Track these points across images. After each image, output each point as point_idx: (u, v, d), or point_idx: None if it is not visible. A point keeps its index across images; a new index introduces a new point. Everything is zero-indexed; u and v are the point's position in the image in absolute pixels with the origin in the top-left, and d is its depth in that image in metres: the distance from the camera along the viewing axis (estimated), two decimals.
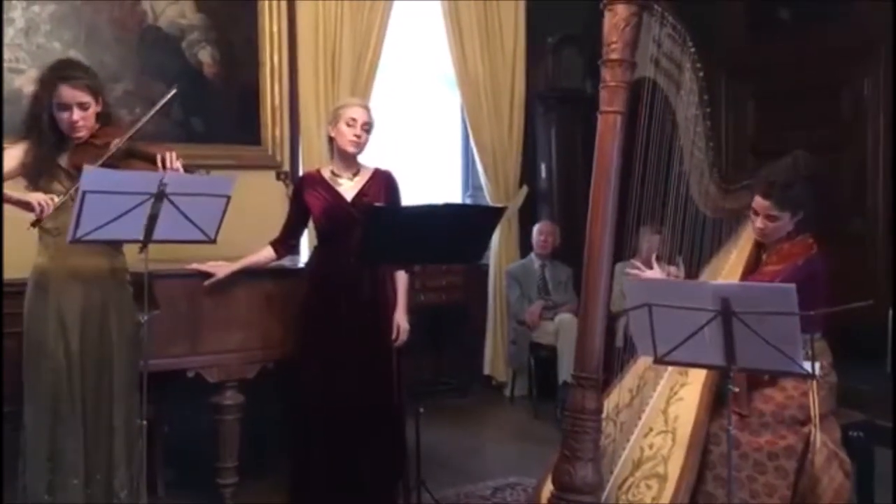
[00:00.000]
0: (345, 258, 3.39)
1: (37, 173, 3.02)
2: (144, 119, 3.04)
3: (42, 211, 2.86)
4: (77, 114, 3.00)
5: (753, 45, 6.05)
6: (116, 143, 2.99)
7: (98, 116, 3.09)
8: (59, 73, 3.02)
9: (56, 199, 2.89)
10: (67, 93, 2.99)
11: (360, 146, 3.53)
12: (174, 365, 3.48)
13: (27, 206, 2.88)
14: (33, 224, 2.93)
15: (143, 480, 3.18)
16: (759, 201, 2.96)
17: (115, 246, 3.16)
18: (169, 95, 3.07)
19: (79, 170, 2.80)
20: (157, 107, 3.05)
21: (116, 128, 3.15)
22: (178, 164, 3.02)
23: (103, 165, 2.88)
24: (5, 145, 3.10)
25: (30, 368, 3.07)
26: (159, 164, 2.98)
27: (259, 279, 3.66)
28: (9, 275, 3.40)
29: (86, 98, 3.02)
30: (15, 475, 3.13)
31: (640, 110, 3.12)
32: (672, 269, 3.24)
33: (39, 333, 3.05)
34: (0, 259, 3.32)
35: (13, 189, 2.99)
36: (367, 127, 3.53)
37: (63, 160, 3.05)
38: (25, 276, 3.15)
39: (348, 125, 3.49)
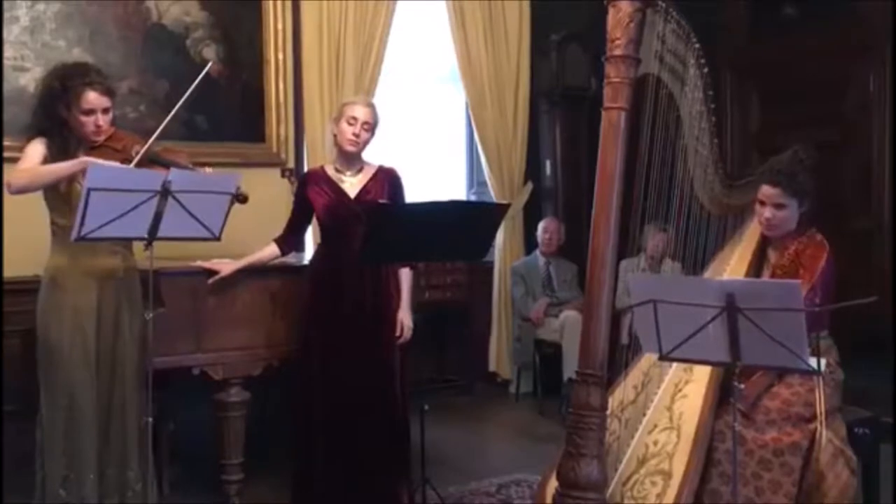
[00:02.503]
0: (348, 255, 3.39)
1: None
2: (177, 107, 3.10)
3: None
4: (101, 118, 3.07)
5: (758, 42, 6.04)
6: (137, 149, 3.05)
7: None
8: (85, 78, 3.05)
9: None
10: (95, 98, 3.05)
11: (359, 145, 3.52)
12: (179, 362, 3.48)
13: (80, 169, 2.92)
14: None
15: (151, 476, 3.22)
16: (766, 190, 2.96)
17: (127, 245, 3.19)
18: (206, 69, 3.14)
19: None
20: (194, 85, 3.12)
21: (130, 133, 3.19)
22: None
23: None
24: (23, 143, 3.13)
25: (45, 366, 3.10)
26: None
27: (263, 276, 3.66)
28: (11, 272, 3.42)
29: (109, 103, 3.10)
30: (33, 470, 3.15)
31: (645, 107, 3.11)
32: None
33: (55, 331, 3.08)
34: (0, 259, 3.33)
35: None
36: (369, 126, 3.52)
37: None
38: (25, 274, 3.17)
39: (349, 123, 3.49)
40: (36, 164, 3.01)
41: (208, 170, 3.25)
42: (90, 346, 3.09)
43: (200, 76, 3.15)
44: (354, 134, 3.49)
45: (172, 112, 3.11)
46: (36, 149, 3.04)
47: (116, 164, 2.95)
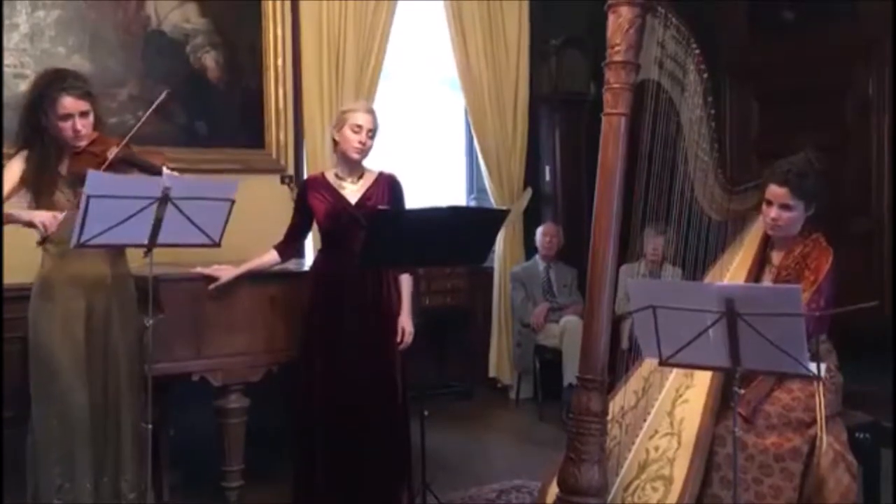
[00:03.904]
0: (349, 261, 3.39)
1: (38, 183, 3.06)
2: (139, 124, 3.12)
3: (46, 230, 2.92)
4: (80, 122, 3.05)
5: (757, 45, 6.04)
6: (114, 151, 3.05)
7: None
8: (60, 84, 3.04)
9: (59, 216, 2.94)
10: (70, 103, 3.03)
11: (365, 152, 3.53)
12: (179, 368, 3.48)
13: (31, 225, 2.95)
14: (39, 243, 3.03)
15: (149, 483, 3.21)
16: (774, 190, 2.96)
17: (117, 251, 3.17)
18: (161, 97, 3.17)
19: (78, 177, 2.86)
20: (151, 109, 3.15)
21: (111, 136, 3.19)
22: None
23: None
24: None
25: (37, 374, 3.09)
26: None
27: (263, 282, 3.66)
28: (11, 279, 3.41)
29: (87, 106, 3.08)
30: (24, 476, 3.14)
31: (645, 112, 3.12)
32: None
33: (45, 340, 3.07)
34: (0, 264, 3.32)
35: (16, 205, 3.05)
36: (372, 133, 3.52)
37: (62, 168, 3.10)
38: (24, 280, 3.17)
39: (354, 132, 3.48)
40: (8, 189, 3.00)
41: (166, 169, 3.23)
42: (80, 353, 3.09)
43: (154, 105, 3.19)
44: (361, 142, 3.48)
45: (133, 131, 3.15)
46: (11, 171, 3.04)
47: (62, 214, 2.93)
